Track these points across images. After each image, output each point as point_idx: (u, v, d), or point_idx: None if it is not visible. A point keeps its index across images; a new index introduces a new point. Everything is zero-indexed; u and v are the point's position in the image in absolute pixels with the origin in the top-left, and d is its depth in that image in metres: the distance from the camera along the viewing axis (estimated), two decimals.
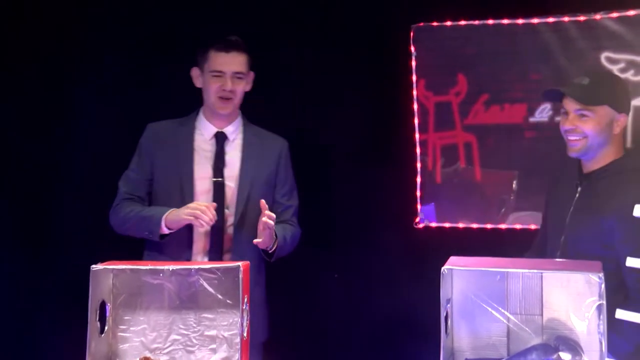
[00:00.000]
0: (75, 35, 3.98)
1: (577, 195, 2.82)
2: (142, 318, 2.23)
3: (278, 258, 3.14)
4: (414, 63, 3.80)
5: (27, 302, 3.99)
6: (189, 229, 3.05)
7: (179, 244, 3.07)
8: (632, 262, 2.71)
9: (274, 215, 2.95)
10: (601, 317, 1.84)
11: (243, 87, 3.16)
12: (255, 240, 2.95)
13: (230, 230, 3.12)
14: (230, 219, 3.12)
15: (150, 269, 2.21)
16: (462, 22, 3.71)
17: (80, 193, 3.96)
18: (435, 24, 3.77)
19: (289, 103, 3.93)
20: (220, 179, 3.12)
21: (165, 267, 2.20)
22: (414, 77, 3.81)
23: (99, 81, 3.95)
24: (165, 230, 2.99)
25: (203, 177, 3.11)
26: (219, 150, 3.16)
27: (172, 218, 2.97)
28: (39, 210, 4.01)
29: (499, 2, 3.59)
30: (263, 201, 2.95)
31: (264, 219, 2.91)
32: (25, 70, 3.96)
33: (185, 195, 3.07)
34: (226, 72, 3.09)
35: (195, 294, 2.23)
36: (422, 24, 3.79)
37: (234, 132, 3.21)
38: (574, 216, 2.80)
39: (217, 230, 3.07)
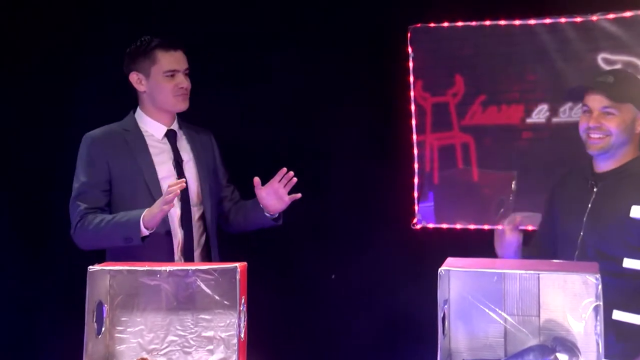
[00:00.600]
0: (75, 36, 3.98)
1: (594, 195, 2.80)
2: (139, 319, 2.23)
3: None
4: (411, 64, 3.81)
5: (26, 303, 3.99)
6: (167, 230, 3.03)
7: (159, 246, 3.02)
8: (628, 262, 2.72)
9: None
10: (598, 318, 1.84)
11: (188, 80, 3.13)
12: (292, 196, 2.99)
13: (199, 224, 3.13)
14: (197, 215, 3.12)
15: (147, 270, 2.20)
16: (459, 23, 3.72)
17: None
18: (432, 25, 3.77)
19: (286, 104, 3.93)
20: (183, 177, 3.06)
21: (163, 268, 2.20)
22: (411, 78, 3.81)
23: (99, 81, 3.94)
24: (145, 232, 2.90)
25: (166, 176, 3.07)
26: (174, 148, 3.13)
27: (148, 217, 2.87)
28: (38, 210, 4.01)
29: (495, 3, 3.60)
30: (257, 178, 2.98)
31: (281, 183, 2.96)
32: (25, 71, 3.95)
33: (155, 198, 2.98)
34: (180, 70, 3.08)
35: (192, 295, 2.23)
36: (419, 25, 3.79)
37: (179, 128, 3.19)
38: (592, 216, 2.77)
39: (187, 228, 3.07)
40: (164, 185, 3.01)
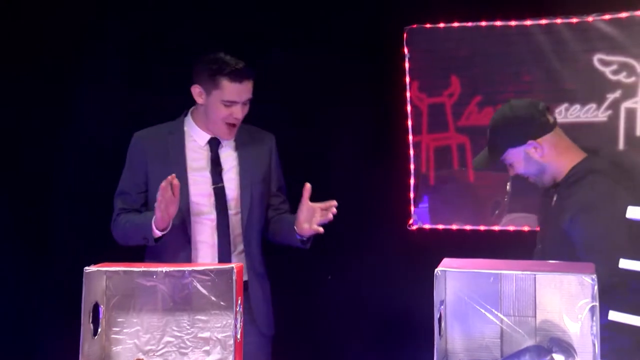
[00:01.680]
0: (76, 36, 3.98)
1: (552, 204, 2.85)
2: (135, 320, 2.23)
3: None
4: (407, 65, 3.81)
5: (23, 304, 3.98)
6: (187, 235, 3.07)
7: (178, 251, 3.08)
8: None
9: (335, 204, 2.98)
10: (594, 318, 1.84)
11: (247, 107, 3.15)
12: (316, 229, 2.96)
13: (237, 230, 3.15)
14: (235, 220, 3.14)
15: (143, 271, 2.20)
16: (455, 24, 3.72)
17: (78, 195, 3.96)
18: (428, 25, 3.78)
19: (282, 105, 3.93)
20: (220, 185, 3.11)
21: (159, 269, 2.20)
22: (408, 79, 3.81)
23: (97, 84, 3.94)
24: (158, 233, 2.97)
25: (200, 183, 3.10)
26: (214, 156, 3.15)
27: (155, 219, 2.94)
28: (36, 212, 4.01)
29: (491, 4, 3.60)
30: (308, 185, 2.97)
31: (322, 212, 2.96)
32: (24, 72, 3.95)
33: (181, 204, 3.01)
34: (239, 101, 3.08)
35: (188, 295, 2.22)
36: (415, 25, 3.79)
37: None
38: (544, 226, 2.88)
39: (224, 233, 3.11)
40: (196, 192, 3.09)
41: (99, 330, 2.19)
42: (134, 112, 3.88)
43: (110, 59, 3.98)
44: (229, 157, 3.17)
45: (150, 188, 3.12)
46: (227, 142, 3.19)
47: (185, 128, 3.18)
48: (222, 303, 2.20)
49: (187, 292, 2.22)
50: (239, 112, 3.07)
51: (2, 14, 3.92)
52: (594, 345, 1.83)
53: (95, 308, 2.17)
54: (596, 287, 1.84)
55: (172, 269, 2.20)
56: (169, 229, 2.98)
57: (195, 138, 3.15)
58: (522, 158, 2.80)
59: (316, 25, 3.89)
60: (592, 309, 1.85)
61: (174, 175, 2.87)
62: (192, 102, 3.25)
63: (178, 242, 3.08)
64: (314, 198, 3.44)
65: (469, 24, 3.70)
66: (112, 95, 3.96)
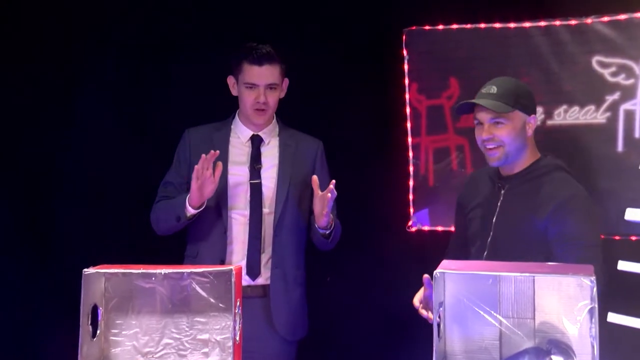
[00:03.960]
0: (77, 36, 3.98)
1: (502, 197, 2.89)
2: (134, 322, 2.23)
3: (334, 242, 3.26)
4: (406, 67, 3.81)
5: (22, 305, 3.98)
6: (223, 228, 3.13)
7: (214, 244, 3.13)
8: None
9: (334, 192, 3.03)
10: (593, 320, 1.84)
11: (277, 96, 3.21)
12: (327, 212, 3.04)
13: (269, 230, 3.18)
14: (268, 219, 3.18)
15: (142, 273, 2.20)
16: (454, 26, 3.72)
17: (78, 195, 3.96)
18: (427, 27, 3.78)
19: (280, 107, 3.93)
20: (257, 181, 3.17)
21: (157, 271, 2.19)
22: (406, 81, 3.81)
23: (98, 84, 3.94)
24: (191, 210, 3.04)
25: (238, 178, 3.17)
26: (254, 152, 3.21)
27: (190, 196, 3.03)
28: (36, 212, 4.01)
29: (490, 6, 3.61)
30: (315, 177, 3.05)
31: (324, 194, 3.01)
32: (24, 72, 3.95)
33: (219, 197, 3.12)
34: (259, 84, 3.11)
35: (187, 297, 2.22)
36: (414, 27, 3.80)
37: (270, 134, 3.27)
38: (501, 217, 2.87)
39: (255, 231, 3.14)
40: (233, 186, 3.16)
41: (98, 332, 2.19)
42: (135, 113, 3.88)
43: (112, 58, 3.98)
44: (270, 156, 3.23)
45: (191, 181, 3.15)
46: (271, 141, 3.26)
47: (232, 126, 3.26)
48: (221, 305, 2.20)
49: (186, 294, 2.22)
50: (261, 96, 3.12)
51: (2, 14, 3.92)
52: (592, 347, 1.83)
53: (94, 310, 2.17)
54: (595, 289, 1.84)
55: (170, 270, 2.20)
56: (202, 208, 3.06)
57: (239, 135, 3.24)
58: (520, 126, 2.85)
59: (314, 27, 3.89)
60: (590, 310, 1.85)
61: (217, 152, 2.97)
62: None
63: (215, 237, 3.14)
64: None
65: (468, 25, 3.70)
66: (112, 95, 3.96)
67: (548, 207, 2.75)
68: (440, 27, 3.75)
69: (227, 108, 3.49)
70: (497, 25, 3.63)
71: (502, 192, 2.90)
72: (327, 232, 3.15)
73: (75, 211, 3.92)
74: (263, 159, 3.22)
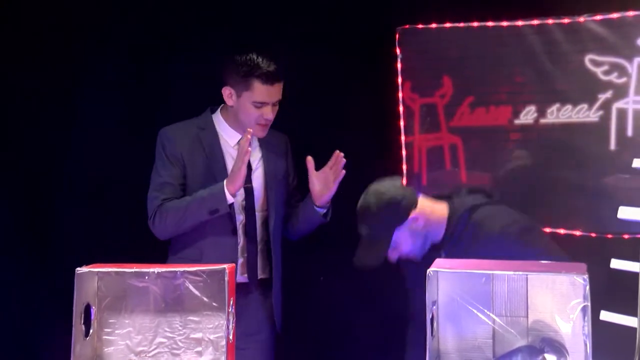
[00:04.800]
0: (76, 36, 3.97)
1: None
2: (127, 321, 2.23)
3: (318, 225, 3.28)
4: (399, 65, 3.81)
5: (20, 305, 3.98)
6: (234, 229, 3.14)
7: (226, 247, 3.13)
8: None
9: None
10: (586, 318, 1.85)
11: (277, 108, 3.21)
12: (337, 180, 3.14)
13: (263, 230, 3.24)
14: (260, 220, 3.24)
15: (135, 272, 2.20)
16: (447, 25, 3.72)
17: (78, 196, 3.95)
18: (420, 26, 3.77)
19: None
20: (249, 184, 3.19)
21: (151, 270, 2.19)
22: (400, 79, 3.81)
23: (99, 84, 3.93)
24: (231, 199, 3.05)
25: None
26: None
27: (231, 181, 3.03)
28: (36, 212, 4.00)
29: (483, 5, 3.61)
30: (310, 157, 3.12)
31: (333, 169, 3.12)
32: (24, 72, 3.94)
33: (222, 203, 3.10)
34: (269, 102, 3.11)
35: (180, 296, 2.22)
36: (407, 26, 3.79)
37: (253, 137, 3.26)
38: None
39: (251, 233, 3.20)
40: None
41: (91, 331, 2.19)
42: (135, 112, 3.88)
43: (112, 58, 3.97)
44: (255, 158, 3.23)
45: (189, 182, 3.17)
46: (253, 143, 3.27)
47: (216, 126, 3.24)
48: (214, 304, 2.20)
49: (179, 293, 2.22)
50: (269, 113, 3.13)
51: (2, 14, 3.91)
52: (585, 345, 1.84)
53: (87, 309, 2.17)
54: (588, 287, 1.85)
55: (164, 269, 2.20)
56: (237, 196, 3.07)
57: (227, 138, 3.22)
58: (408, 235, 2.80)
59: (307, 26, 3.89)
60: (583, 309, 1.86)
61: (250, 130, 3.01)
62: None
63: (224, 236, 3.15)
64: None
65: (461, 24, 3.70)
66: (112, 95, 3.95)
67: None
68: (434, 25, 3.75)
69: None
70: (490, 23, 3.63)
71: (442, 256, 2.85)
72: (325, 211, 3.18)
73: (75, 211, 3.92)
74: (251, 161, 3.24)
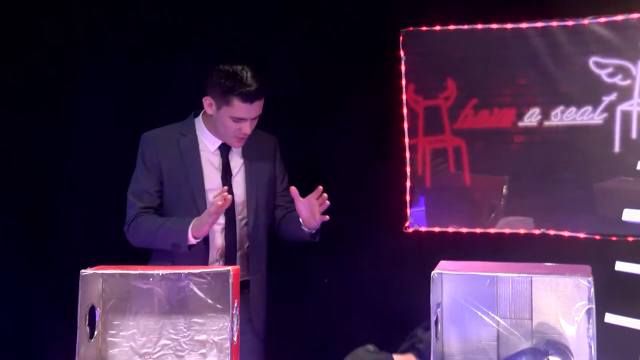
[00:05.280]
0: (76, 35, 3.97)
1: None
2: (131, 323, 2.23)
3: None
4: (403, 67, 3.81)
5: (21, 306, 3.98)
6: (205, 239, 3.11)
7: (196, 253, 3.11)
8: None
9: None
10: (590, 321, 1.85)
11: (256, 121, 3.18)
12: (322, 217, 3.06)
13: (243, 234, 3.22)
14: (242, 224, 3.22)
15: (139, 274, 2.20)
16: (451, 27, 3.72)
17: (79, 196, 3.95)
18: (424, 28, 3.77)
19: (277, 107, 3.93)
20: (231, 188, 3.17)
21: (155, 272, 2.20)
22: (404, 82, 3.81)
23: (98, 85, 3.94)
24: (193, 241, 3.03)
25: (213, 187, 3.15)
26: (225, 161, 3.21)
27: (196, 226, 3.00)
28: (36, 213, 4.00)
29: (487, 7, 3.60)
30: (293, 188, 3.06)
31: (318, 200, 3.03)
32: (24, 72, 3.94)
33: (199, 209, 3.10)
34: (248, 118, 3.11)
35: (185, 298, 2.23)
36: (411, 28, 3.79)
37: None
38: None
39: (230, 237, 3.18)
40: (210, 196, 3.12)
41: (96, 333, 2.19)
42: (136, 113, 3.88)
43: (112, 58, 3.97)
44: (236, 162, 3.23)
45: (165, 189, 3.17)
46: (235, 148, 3.24)
47: (197, 132, 3.23)
48: (218, 306, 2.20)
49: (184, 295, 2.23)
50: (247, 128, 3.12)
51: (2, 14, 3.91)
52: (590, 347, 1.84)
53: (92, 311, 2.17)
54: (592, 290, 1.85)
55: (168, 271, 2.20)
56: (202, 238, 3.05)
57: (207, 144, 3.21)
58: None
59: (311, 27, 3.89)
60: (588, 311, 1.86)
61: (226, 188, 2.97)
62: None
63: (198, 247, 3.11)
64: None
65: (465, 26, 3.70)
66: (112, 95, 3.96)
67: None
68: (438, 27, 3.75)
69: None
70: (494, 26, 3.63)
71: None
72: (314, 232, 3.17)
73: (75, 211, 3.92)
74: (231, 165, 3.22)
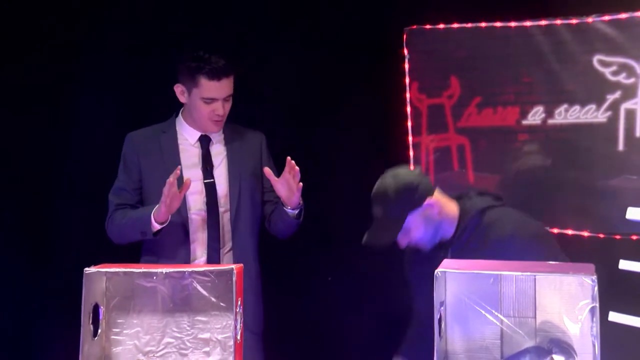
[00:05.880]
0: (76, 35, 3.98)
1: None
2: (135, 321, 2.23)
3: (297, 225, 3.26)
4: (407, 66, 3.81)
5: (23, 304, 3.98)
6: (185, 230, 3.14)
7: (176, 246, 3.13)
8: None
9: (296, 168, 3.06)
10: (594, 319, 1.84)
11: (230, 104, 3.19)
12: (299, 185, 3.07)
13: (227, 227, 3.21)
14: (225, 216, 3.21)
15: (143, 272, 2.20)
16: (455, 25, 3.72)
17: (79, 195, 3.96)
18: (428, 26, 3.78)
19: (281, 106, 3.93)
20: (211, 180, 3.19)
21: (159, 270, 2.20)
22: (407, 80, 3.81)
23: (99, 84, 3.94)
24: (157, 226, 3.04)
25: (193, 179, 3.13)
26: (205, 152, 3.23)
27: (156, 211, 3.02)
28: (37, 212, 4.01)
29: (491, 5, 3.60)
30: (267, 169, 3.09)
31: (285, 175, 3.05)
32: (24, 72, 3.95)
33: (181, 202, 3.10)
34: (218, 98, 3.12)
35: (188, 296, 2.22)
36: (415, 26, 3.79)
37: (216, 133, 3.27)
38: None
39: (213, 229, 3.18)
40: (191, 188, 3.11)
41: (99, 331, 2.19)
42: (136, 112, 3.88)
43: (112, 58, 3.97)
44: (218, 154, 3.24)
45: (144, 185, 3.21)
46: (217, 139, 3.27)
47: (177, 127, 3.26)
48: (222, 304, 2.20)
49: (187, 293, 2.22)
50: (220, 109, 3.13)
51: (2, 14, 3.92)
52: (594, 346, 1.83)
53: (95, 309, 2.17)
54: (596, 288, 1.84)
55: (172, 270, 2.20)
56: (166, 223, 3.05)
57: (186, 136, 3.24)
58: (422, 221, 2.76)
59: (315, 26, 3.89)
60: (592, 309, 1.85)
61: (179, 167, 2.98)
62: None
63: (178, 239, 3.15)
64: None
65: (469, 25, 3.70)
66: (112, 95, 3.96)
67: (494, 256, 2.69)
68: (441, 26, 3.75)
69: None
70: (498, 24, 3.63)
71: (449, 256, 2.82)
72: (297, 212, 3.17)
73: (75, 211, 3.92)
74: (213, 157, 3.24)
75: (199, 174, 3.19)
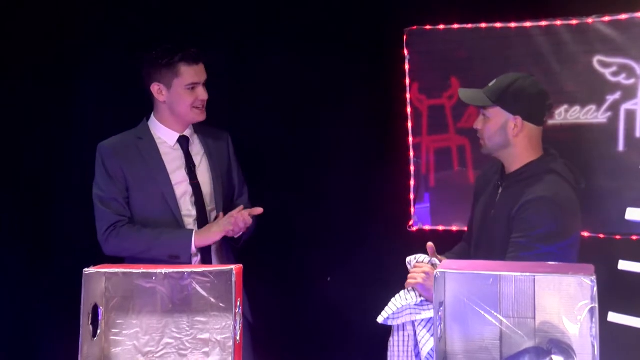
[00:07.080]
0: (76, 35, 3.98)
1: (498, 196, 2.89)
2: (134, 321, 2.23)
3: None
4: (407, 66, 3.81)
5: (23, 305, 3.99)
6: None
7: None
8: None
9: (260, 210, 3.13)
10: (593, 320, 1.84)
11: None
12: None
13: None
14: (213, 215, 3.23)
15: (142, 273, 2.20)
16: (455, 26, 3.72)
17: (79, 196, 3.95)
18: (428, 27, 3.77)
19: (281, 106, 3.93)
20: (195, 181, 3.21)
21: (158, 271, 2.20)
22: (407, 81, 3.81)
23: (99, 84, 3.94)
24: (195, 251, 3.10)
25: (179, 182, 3.17)
26: (186, 153, 3.23)
27: (203, 237, 3.09)
28: (37, 212, 4.01)
29: (491, 6, 3.60)
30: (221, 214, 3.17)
31: (244, 216, 3.09)
32: (24, 71, 3.95)
33: (169, 203, 3.14)
34: (200, 82, 3.13)
35: (188, 297, 2.23)
36: (415, 27, 3.79)
37: (191, 133, 3.29)
38: (493, 216, 2.87)
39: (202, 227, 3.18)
40: (178, 191, 3.15)
41: (99, 331, 2.19)
42: (136, 113, 3.88)
43: (112, 57, 3.97)
44: (197, 154, 3.26)
45: (132, 194, 3.17)
46: (194, 139, 3.27)
47: (153, 131, 3.24)
48: (221, 305, 2.20)
49: (187, 293, 2.23)
50: (204, 93, 3.17)
51: (2, 14, 3.92)
52: (593, 346, 1.83)
53: (95, 309, 2.17)
54: (595, 289, 1.84)
55: (171, 270, 2.20)
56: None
57: (165, 139, 3.23)
58: (500, 124, 2.82)
59: (315, 26, 3.89)
60: (591, 310, 1.86)
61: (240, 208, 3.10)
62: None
63: None
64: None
65: (469, 25, 3.69)
66: (112, 95, 3.96)
67: (515, 207, 2.73)
68: (441, 26, 3.74)
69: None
70: (498, 25, 3.63)
71: (500, 190, 2.89)
72: (237, 238, 3.21)
73: (75, 211, 3.92)
74: (193, 157, 3.25)
75: (184, 175, 3.20)
